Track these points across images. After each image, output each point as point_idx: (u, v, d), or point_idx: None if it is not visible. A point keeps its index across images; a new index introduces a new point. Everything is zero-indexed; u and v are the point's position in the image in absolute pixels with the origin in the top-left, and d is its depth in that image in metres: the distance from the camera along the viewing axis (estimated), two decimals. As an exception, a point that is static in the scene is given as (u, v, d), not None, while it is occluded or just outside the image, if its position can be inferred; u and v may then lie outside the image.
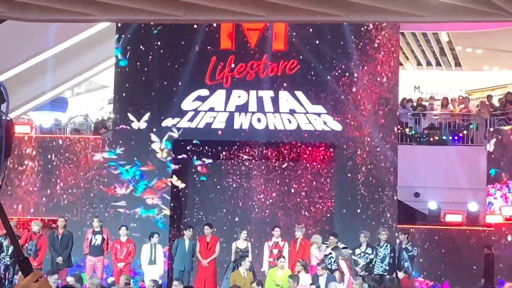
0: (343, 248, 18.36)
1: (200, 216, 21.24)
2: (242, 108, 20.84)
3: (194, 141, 21.16)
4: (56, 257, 18.25)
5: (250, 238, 19.10)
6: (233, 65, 20.89)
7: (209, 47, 20.96)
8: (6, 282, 17.81)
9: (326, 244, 18.39)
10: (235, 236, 18.95)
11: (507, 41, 26.84)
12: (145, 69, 20.97)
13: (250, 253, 18.43)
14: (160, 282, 18.24)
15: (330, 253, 18.11)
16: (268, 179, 21.47)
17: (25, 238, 18.49)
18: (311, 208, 21.27)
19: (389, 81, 20.84)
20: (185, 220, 21.35)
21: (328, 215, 20.89)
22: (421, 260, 19.82)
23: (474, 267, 19.98)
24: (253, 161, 21.46)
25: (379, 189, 20.52)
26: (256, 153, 21.25)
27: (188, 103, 20.91)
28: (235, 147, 21.30)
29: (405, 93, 27.57)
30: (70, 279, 16.38)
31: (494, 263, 19.19)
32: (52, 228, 19.55)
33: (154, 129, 20.89)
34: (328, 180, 21.17)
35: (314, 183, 21.41)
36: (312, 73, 20.82)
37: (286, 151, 21.37)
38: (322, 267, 17.12)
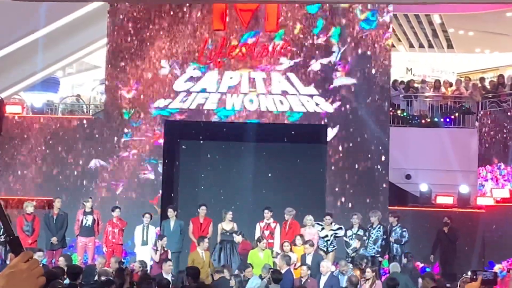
0: (338, 228, 18.35)
1: (191, 197, 21.23)
2: (234, 89, 20.80)
3: (186, 122, 21.11)
4: (51, 238, 18.28)
5: (241, 219, 19.12)
6: (225, 46, 20.84)
7: (201, 28, 20.88)
8: (0, 261, 17.80)
9: (321, 224, 18.39)
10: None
11: (499, 24, 26.83)
12: (137, 50, 20.89)
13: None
14: (151, 263, 18.25)
15: (326, 235, 18.13)
16: (260, 160, 21.45)
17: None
18: (303, 189, 21.27)
19: (381, 63, 20.80)
20: (176, 200, 21.36)
21: (320, 196, 20.88)
22: (412, 241, 19.84)
23: (465, 249, 20.04)
24: (245, 142, 21.42)
25: (371, 171, 20.52)
26: (248, 134, 21.20)
27: (180, 84, 20.87)
28: (227, 128, 21.27)
29: (397, 75, 27.57)
30: (60, 259, 16.40)
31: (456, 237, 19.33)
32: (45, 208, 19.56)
33: (146, 110, 20.85)
34: (319, 161, 21.16)
35: (306, 164, 21.42)
36: (304, 54, 20.78)
37: (277, 132, 21.35)
38: (309, 244, 17.11)
